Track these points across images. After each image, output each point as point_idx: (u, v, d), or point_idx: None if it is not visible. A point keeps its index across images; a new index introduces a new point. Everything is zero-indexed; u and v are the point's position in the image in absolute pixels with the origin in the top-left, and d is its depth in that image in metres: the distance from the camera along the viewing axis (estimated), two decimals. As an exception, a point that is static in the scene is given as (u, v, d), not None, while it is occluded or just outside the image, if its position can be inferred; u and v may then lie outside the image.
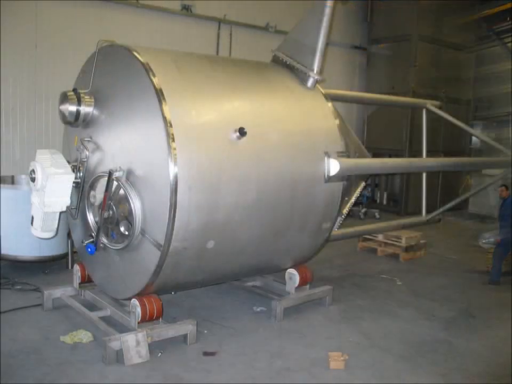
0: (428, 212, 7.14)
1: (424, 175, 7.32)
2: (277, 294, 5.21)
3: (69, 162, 4.49)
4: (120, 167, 4.09)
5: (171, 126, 3.81)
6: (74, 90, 4.44)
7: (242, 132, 4.14)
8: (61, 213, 4.50)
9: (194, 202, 3.92)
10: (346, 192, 5.27)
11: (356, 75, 12.10)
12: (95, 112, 4.42)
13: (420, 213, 7.27)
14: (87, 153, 4.43)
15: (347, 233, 6.10)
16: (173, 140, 3.79)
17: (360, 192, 6.02)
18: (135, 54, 4.11)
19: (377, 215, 10.42)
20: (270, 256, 4.92)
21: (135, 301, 4.16)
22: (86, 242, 4.39)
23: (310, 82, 5.01)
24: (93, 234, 4.39)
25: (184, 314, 4.89)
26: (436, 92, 10.81)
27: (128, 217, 4.10)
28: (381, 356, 4.30)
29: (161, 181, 3.84)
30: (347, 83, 11.70)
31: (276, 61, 5.35)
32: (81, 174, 4.47)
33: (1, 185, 6.01)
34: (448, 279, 6.56)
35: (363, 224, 7.43)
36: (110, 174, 4.08)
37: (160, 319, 4.29)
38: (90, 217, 4.52)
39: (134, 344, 3.97)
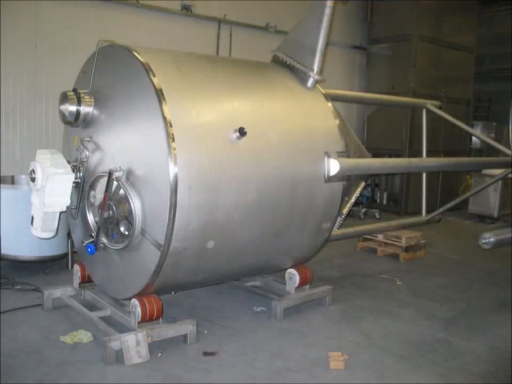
0: (428, 212, 7.13)
1: (424, 175, 7.30)
2: (277, 294, 5.21)
3: (69, 162, 4.48)
4: (120, 167, 4.09)
5: (171, 126, 3.81)
6: (74, 90, 4.44)
7: (242, 132, 4.14)
8: (61, 213, 4.49)
9: (194, 202, 3.92)
10: (346, 192, 5.27)
11: (356, 75, 12.08)
12: (95, 112, 4.42)
13: (420, 213, 7.25)
14: (87, 153, 4.43)
15: (347, 233, 6.09)
16: (173, 140, 3.79)
17: (360, 192, 6.01)
18: (135, 54, 4.10)
19: (377, 215, 10.40)
20: (270, 256, 4.93)
21: (135, 301, 4.16)
22: (86, 242, 4.39)
23: (310, 82, 5.01)
24: (93, 234, 4.39)
25: (184, 314, 4.89)
26: (436, 92, 10.79)
27: (128, 217, 4.10)
28: (381, 355, 4.30)
29: (161, 181, 3.84)
30: (347, 83, 11.68)
31: (276, 61, 5.35)
32: (81, 174, 4.46)
33: (1, 185, 6.00)
34: (448, 279, 6.55)
35: (363, 224, 7.40)
36: (110, 174, 4.08)
37: (160, 319, 4.29)
38: (90, 217, 4.52)
39: (134, 344, 3.97)
